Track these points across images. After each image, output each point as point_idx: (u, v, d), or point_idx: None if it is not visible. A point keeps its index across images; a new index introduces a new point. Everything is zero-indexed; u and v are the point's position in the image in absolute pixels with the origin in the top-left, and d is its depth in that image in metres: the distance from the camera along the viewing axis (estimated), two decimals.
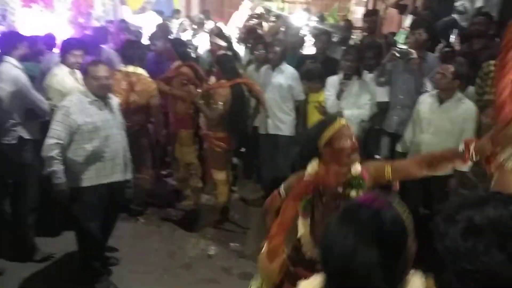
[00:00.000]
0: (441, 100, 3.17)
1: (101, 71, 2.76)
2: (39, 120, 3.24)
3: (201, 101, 3.63)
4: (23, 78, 3.06)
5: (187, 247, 3.56)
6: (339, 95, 3.70)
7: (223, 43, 4.49)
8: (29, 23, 4.79)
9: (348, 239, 0.89)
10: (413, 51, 3.51)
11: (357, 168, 1.89)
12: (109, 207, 2.98)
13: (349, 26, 5.30)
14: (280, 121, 4.03)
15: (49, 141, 2.64)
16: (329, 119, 2.10)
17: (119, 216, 3.29)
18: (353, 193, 1.86)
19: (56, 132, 2.65)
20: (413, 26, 3.75)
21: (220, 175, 3.85)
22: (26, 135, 3.15)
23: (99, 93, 2.79)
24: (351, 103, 3.67)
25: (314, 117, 3.97)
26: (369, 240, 0.87)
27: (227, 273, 3.23)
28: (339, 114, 3.68)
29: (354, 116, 3.63)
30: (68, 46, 3.46)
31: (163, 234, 3.75)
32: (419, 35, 3.54)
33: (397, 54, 3.49)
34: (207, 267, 3.30)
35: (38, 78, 3.53)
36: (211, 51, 4.64)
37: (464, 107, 3.10)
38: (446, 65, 3.17)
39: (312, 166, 1.91)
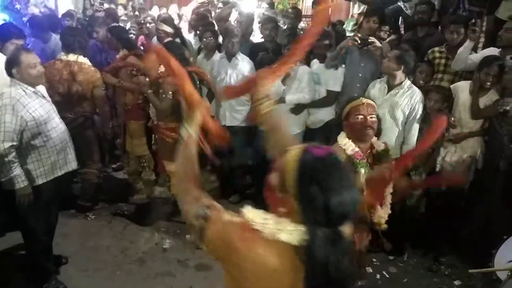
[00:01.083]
0: (390, 86, 3.25)
1: (35, 58, 2.59)
2: None
3: (150, 91, 3.51)
4: None
5: (140, 241, 3.46)
6: (283, 81, 3.74)
7: (170, 30, 4.34)
8: None
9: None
10: (375, 39, 3.58)
11: (378, 142, 2.20)
12: (54, 203, 2.85)
13: (297, 13, 5.31)
14: (237, 112, 3.97)
15: (4, 145, 2.44)
16: (352, 98, 2.27)
17: (65, 211, 3.14)
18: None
19: (8, 134, 2.46)
20: (367, 14, 3.81)
21: (172, 167, 3.75)
22: None
23: (36, 82, 2.61)
24: (294, 88, 3.72)
25: None
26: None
27: (183, 266, 3.18)
28: (281, 99, 3.73)
29: (294, 100, 3.70)
30: (8, 34, 3.21)
31: (114, 229, 3.62)
32: (373, 23, 3.61)
33: (358, 41, 3.53)
34: (162, 261, 3.23)
35: None
36: (158, 39, 4.48)
37: (410, 93, 3.20)
38: (393, 50, 3.25)
39: (341, 138, 2.16)
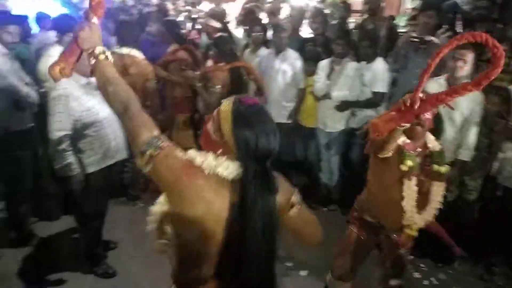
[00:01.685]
0: (450, 85, 3.06)
1: None
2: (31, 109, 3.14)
3: (200, 85, 3.57)
4: (4, 69, 2.90)
5: None
6: (328, 76, 3.67)
7: (218, 25, 4.38)
8: (21, 3, 4.65)
9: None
10: (432, 37, 3.45)
11: (435, 143, 2.12)
12: (105, 190, 2.96)
13: (347, 7, 5.17)
14: (283, 109, 3.96)
15: (57, 134, 2.55)
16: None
17: (116, 199, 3.27)
18: (439, 168, 2.09)
19: (61, 124, 2.56)
20: (423, 8, 3.65)
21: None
22: (13, 127, 3.05)
23: (89, 74, 2.68)
24: (341, 84, 3.65)
25: (308, 102, 3.94)
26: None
27: None
28: (327, 95, 3.68)
29: (340, 97, 3.62)
30: (67, 26, 3.36)
31: None
32: (429, 18, 3.45)
33: (415, 39, 3.41)
34: None
35: (29, 61, 3.43)
36: (207, 33, 4.53)
37: (471, 94, 3.01)
38: (464, 51, 2.97)
39: None
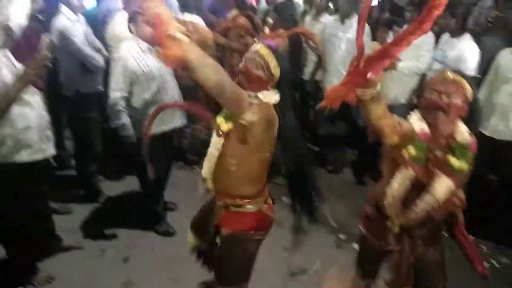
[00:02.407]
0: None
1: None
2: (99, 73, 3.28)
3: None
4: (72, 33, 3.01)
5: None
6: None
7: None
8: None
9: None
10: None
11: (463, 134, 1.68)
12: (168, 154, 3.07)
13: None
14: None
15: (115, 94, 2.65)
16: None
17: (174, 163, 3.38)
18: (454, 162, 1.67)
19: (119, 84, 2.66)
20: None
21: None
22: (83, 89, 3.20)
23: (150, 39, 2.72)
24: (409, 55, 3.41)
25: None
26: None
27: (279, 226, 3.27)
28: (391, 64, 3.48)
29: (406, 67, 3.42)
30: None
31: None
32: None
33: None
34: None
35: (98, 24, 3.56)
36: (266, 0, 4.44)
37: None
38: None
39: (413, 114, 1.76)
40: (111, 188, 3.67)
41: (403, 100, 3.61)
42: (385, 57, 1.33)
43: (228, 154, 1.79)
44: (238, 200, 1.87)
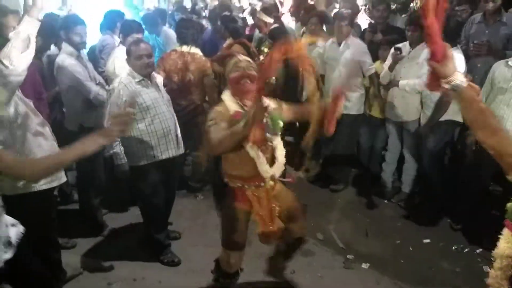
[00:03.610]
0: None
1: (143, 50, 2.79)
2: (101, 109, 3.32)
3: None
4: (75, 69, 3.07)
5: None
6: (392, 66, 3.54)
7: (269, 20, 4.39)
8: (86, 7, 4.95)
9: None
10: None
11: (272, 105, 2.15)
12: (168, 183, 3.08)
13: None
14: (346, 99, 3.86)
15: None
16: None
17: (177, 191, 3.39)
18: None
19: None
20: None
21: None
22: (86, 124, 3.22)
23: (143, 72, 2.82)
24: (412, 73, 3.47)
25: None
26: None
27: None
28: (393, 82, 3.54)
29: (410, 85, 3.45)
30: (130, 29, 3.54)
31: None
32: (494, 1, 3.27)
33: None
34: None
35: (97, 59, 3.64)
36: (258, 28, 4.54)
37: None
38: None
39: (224, 95, 2.25)
40: (114, 220, 3.65)
41: (406, 118, 3.63)
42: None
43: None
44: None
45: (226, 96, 2.24)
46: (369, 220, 3.73)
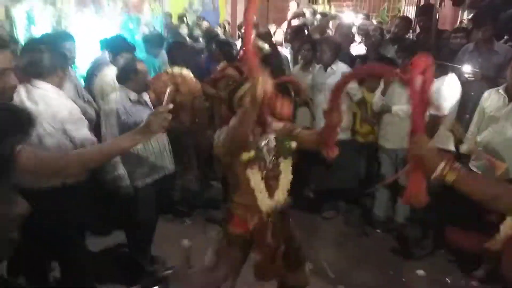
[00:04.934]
0: (511, 96, 2.88)
1: (140, 67, 2.78)
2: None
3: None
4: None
5: None
6: (384, 91, 3.53)
7: (264, 45, 4.41)
8: (81, 28, 4.96)
9: None
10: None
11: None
12: (155, 205, 3.00)
13: (406, 23, 4.95)
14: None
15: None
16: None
17: (163, 216, 3.29)
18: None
19: (113, 135, 2.65)
20: (478, 20, 3.49)
21: None
22: None
23: (139, 89, 2.80)
24: (406, 99, 3.43)
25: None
26: None
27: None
28: (386, 108, 3.52)
29: (403, 110, 3.41)
30: (120, 47, 3.52)
31: (209, 235, 3.68)
32: (485, 32, 3.30)
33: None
34: None
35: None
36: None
37: None
38: None
39: None
40: (93, 243, 3.49)
41: (400, 145, 3.53)
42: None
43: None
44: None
45: None
46: (361, 250, 3.61)
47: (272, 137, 2.09)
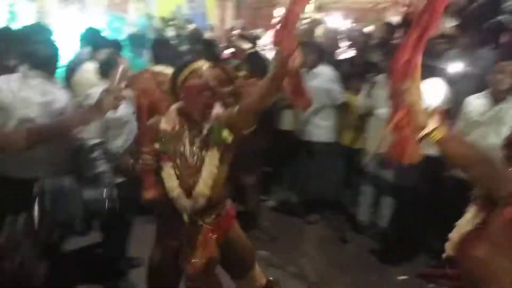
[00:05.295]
0: (496, 101, 2.91)
1: (125, 62, 2.69)
2: None
3: (230, 100, 3.50)
4: None
5: None
6: (369, 92, 3.52)
7: (247, 46, 4.38)
8: (64, 25, 4.86)
9: None
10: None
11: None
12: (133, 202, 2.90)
13: (391, 28, 4.99)
14: (315, 127, 3.84)
15: (89, 142, 2.57)
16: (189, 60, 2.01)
17: (140, 217, 3.19)
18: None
19: (91, 132, 2.58)
20: (462, 29, 3.52)
21: (249, 179, 3.68)
22: None
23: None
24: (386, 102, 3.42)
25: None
26: None
27: None
28: (370, 111, 3.50)
29: (387, 114, 3.37)
30: (100, 43, 3.44)
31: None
32: (469, 39, 3.34)
33: None
34: None
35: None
36: (235, 55, 4.54)
37: None
38: (504, 63, 2.88)
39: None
40: (72, 243, 3.38)
41: (384, 149, 3.50)
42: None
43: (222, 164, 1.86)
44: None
45: (173, 108, 1.96)
46: (344, 255, 3.56)
47: (207, 126, 1.88)
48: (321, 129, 3.81)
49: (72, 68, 3.56)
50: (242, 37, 4.48)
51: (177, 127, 1.90)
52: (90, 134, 2.57)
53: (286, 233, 3.78)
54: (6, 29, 3.73)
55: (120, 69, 1.81)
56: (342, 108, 3.89)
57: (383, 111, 3.42)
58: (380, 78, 3.55)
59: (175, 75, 1.94)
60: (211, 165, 1.84)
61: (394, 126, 1.35)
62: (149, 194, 1.86)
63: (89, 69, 3.23)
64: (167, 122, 1.91)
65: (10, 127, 2.30)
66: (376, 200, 3.83)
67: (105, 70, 2.73)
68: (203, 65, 1.91)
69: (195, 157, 1.86)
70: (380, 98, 3.49)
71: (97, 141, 2.57)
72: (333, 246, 3.71)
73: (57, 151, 2.46)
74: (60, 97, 2.53)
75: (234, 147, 1.90)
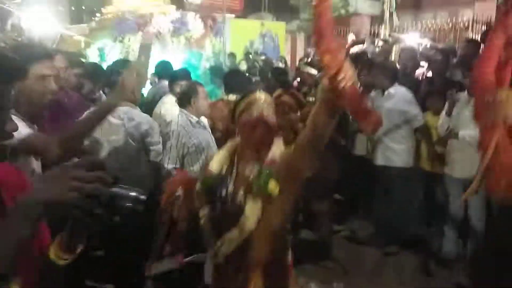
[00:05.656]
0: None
1: (205, 92, 2.93)
2: None
3: (301, 125, 3.48)
4: None
5: None
6: (449, 110, 3.29)
7: (314, 72, 4.37)
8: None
9: None
10: None
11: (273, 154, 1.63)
12: None
13: (475, 45, 4.65)
14: (391, 151, 3.65)
15: (169, 167, 2.73)
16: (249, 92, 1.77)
17: None
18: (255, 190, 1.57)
19: (173, 157, 2.76)
20: None
21: (321, 206, 3.58)
22: None
23: (201, 112, 2.90)
24: (472, 124, 3.12)
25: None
26: None
27: None
28: (453, 134, 3.25)
29: (471, 135, 3.08)
30: (176, 76, 3.67)
31: None
32: None
33: None
34: None
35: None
36: (302, 81, 4.54)
37: None
38: None
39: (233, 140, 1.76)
40: None
41: (469, 174, 3.03)
42: None
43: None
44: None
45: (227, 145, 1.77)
46: None
47: (257, 167, 1.62)
48: (396, 153, 3.62)
49: (150, 100, 3.81)
50: (310, 64, 4.49)
51: (224, 168, 1.69)
52: (170, 159, 2.71)
53: (362, 265, 3.56)
54: (95, 64, 4.15)
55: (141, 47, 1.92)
56: (422, 131, 3.65)
57: (468, 132, 3.16)
58: (463, 96, 3.31)
59: (234, 107, 1.75)
60: (250, 217, 1.58)
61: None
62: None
63: (169, 101, 3.45)
64: (216, 162, 1.72)
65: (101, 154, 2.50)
66: (464, 230, 3.48)
67: (185, 100, 2.90)
68: (261, 96, 1.70)
69: (229, 196, 1.65)
70: (463, 118, 3.25)
71: (173, 166, 2.71)
72: (415, 280, 3.41)
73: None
74: (145, 119, 2.73)
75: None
